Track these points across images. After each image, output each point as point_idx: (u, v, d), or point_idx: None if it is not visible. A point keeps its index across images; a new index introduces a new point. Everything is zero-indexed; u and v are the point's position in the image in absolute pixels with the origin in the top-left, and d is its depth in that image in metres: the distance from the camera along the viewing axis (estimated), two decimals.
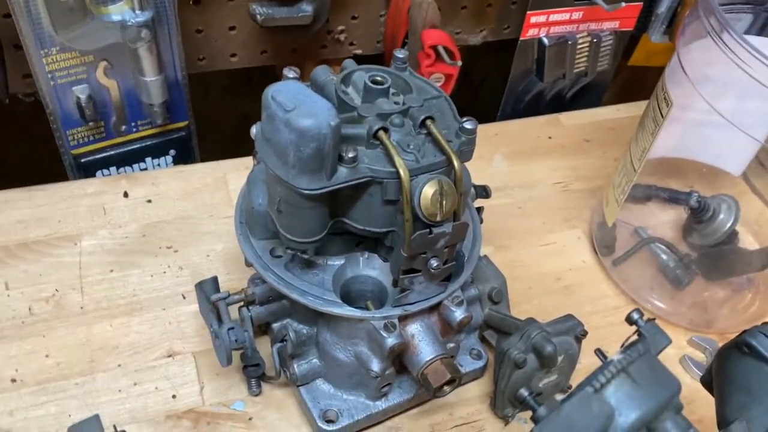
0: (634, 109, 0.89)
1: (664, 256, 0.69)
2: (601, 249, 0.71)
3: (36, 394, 0.55)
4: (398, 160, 0.42)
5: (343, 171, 0.42)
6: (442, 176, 0.44)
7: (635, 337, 0.38)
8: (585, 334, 0.55)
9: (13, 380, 0.55)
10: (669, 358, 0.59)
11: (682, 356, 0.63)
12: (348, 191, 0.44)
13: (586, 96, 0.92)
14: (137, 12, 0.65)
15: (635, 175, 0.63)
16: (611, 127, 0.86)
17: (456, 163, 0.44)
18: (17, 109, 0.93)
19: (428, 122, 0.45)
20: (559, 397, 0.53)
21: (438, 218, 0.43)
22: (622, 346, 0.39)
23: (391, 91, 0.47)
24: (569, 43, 0.85)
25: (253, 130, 0.45)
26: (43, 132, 0.74)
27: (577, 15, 0.83)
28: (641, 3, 0.85)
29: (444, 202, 0.43)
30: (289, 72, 0.47)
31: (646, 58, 0.96)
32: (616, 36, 0.87)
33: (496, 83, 0.97)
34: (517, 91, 0.90)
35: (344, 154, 0.42)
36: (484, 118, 0.99)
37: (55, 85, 0.68)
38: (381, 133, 0.43)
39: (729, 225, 0.66)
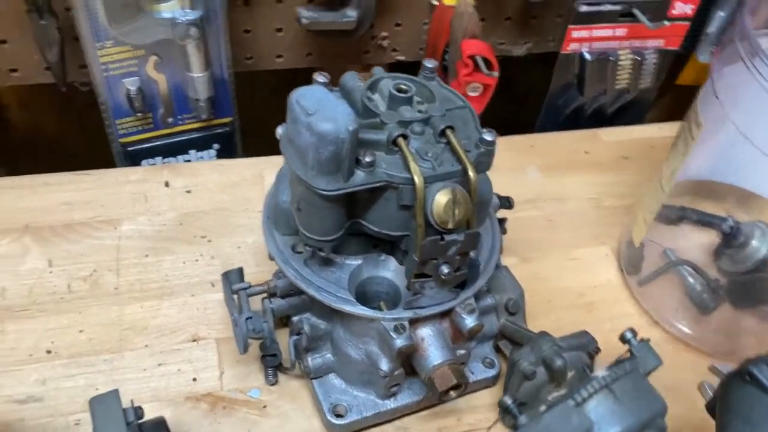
0: (678, 128, 0.87)
1: (691, 280, 0.68)
2: (628, 268, 0.70)
3: (68, 366, 0.58)
4: (414, 167, 0.44)
5: (360, 174, 0.44)
6: (457, 185, 0.45)
7: (627, 354, 0.38)
8: (598, 351, 0.55)
9: (48, 351, 0.59)
10: (687, 383, 0.58)
11: (701, 382, 0.62)
12: (365, 194, 0.46)
13: (628, 113, 0.92)
14: (187, 10, 0.68)
15: (663, 195, 0.62)
16: (652, 145, 0.85)
17: (471, 172, 0.45)
18: (74, 97, 0.99)
19: (448, 131, 0.46)
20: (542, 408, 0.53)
21: (449, 226, 0.45)
22: (613, 362, 0.39)
23: (416, 99, 0.49)
24: (611, 59, 0.84)
25: (279, 130, 0.47)
26: (95, 120, 0.78)
27: (620, 32, 0.83)
28: (688, 22, 0.84)
29: (456, 211, 0.44)
30: (319, 77, 0.49)
31: (695, 78, 0.94)
32: (660, 54, 0.86)
33: (541, 95, 0.97)
34: (557, 105, 0.90)
35: (362, 158, 0.44)
36: (526, 129, 1.00)
37: (107, 77, 0.72)
38: (400, 140, 0.45)
39: (762, 253, 0.65)
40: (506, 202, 0.59)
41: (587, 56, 0.84)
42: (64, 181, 0.72)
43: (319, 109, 0.42)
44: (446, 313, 0.52)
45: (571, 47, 0.84)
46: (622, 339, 0.39)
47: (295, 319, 0.55)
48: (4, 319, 0.60)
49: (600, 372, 0.37)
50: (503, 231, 0.62)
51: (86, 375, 0.57)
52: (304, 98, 0.42)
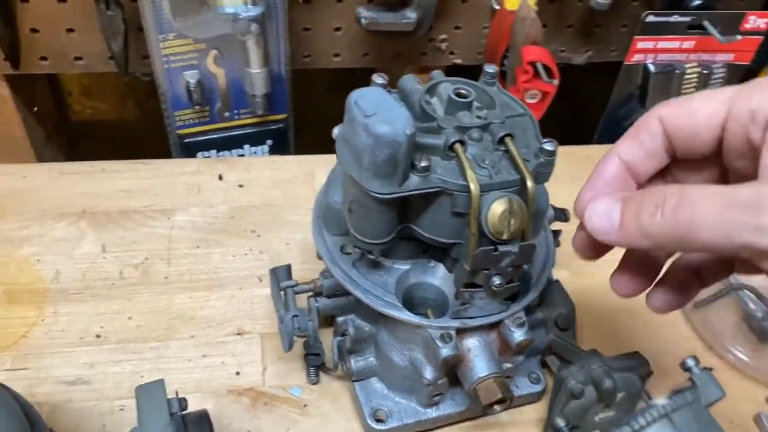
0: None
1: (752, 306, 0.65)
2: None
3: (116, 351, 0.59)
4: (470, 174, 0.43)
5: (414, 179, 0.43)
6: (514, 195, 0.44)
7: (688, 383, 0.37)
8: (650, 374, 0.53)
9: (98, 336, 0.60)
10: (743, 414, 0.56)
11: (757, 413, 0.60)
12: (418, 199, 0.45)
13: None
14: (249, 6, 0.69)
15: None
16: None
17: (530, 183, 0.44)
18: (134, 86, 1.01)
19: (507, 139, 0.45)
20: None
21: (504, 236, 0.43)
22: (672, 390, 0.37)
23: (475, 104, 0.48)
24: (677, 72, 0.81)
25: (335, 131, 0.47)
26: (154, 108, 0.79)
27: (688, 44, 0.80)
28: (761, 37, 0.80)
29: (512, 221, 0.43)
30: (378, 78, 0.48)
31: None
32: (729, 69, 0.83)
33: (602, 104, 0.94)
34: (617, 116, 0.88)
35: (417, 163, 0.43)
36: (585, 139, 0.98)
37: (168, 68, 0.74)
38: (457, 146, 0.44)
39: None
40: (562, 215, 0.58)
41: (651, 68, 0.81)
42: (121, 168, 0.74)
43: (378, 110, 0.41)
44: (494, 325, 0.51)
45: (636, 58, 0.81)
46: (684, 366, 0.37)
47: (339, 319, 0.55)
48: (58, 302, 0.62)
49: (659, 400, 0.35)
50: (557, 244, 0.60)
51: (133, 361, 0.58)
52: (362, 99, 0.42)
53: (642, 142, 0.39)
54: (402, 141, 0.41)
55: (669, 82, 0.83)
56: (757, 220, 0.31)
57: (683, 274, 0.43)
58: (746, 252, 0.32)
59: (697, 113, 0.37)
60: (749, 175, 0.36)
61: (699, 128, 0.37)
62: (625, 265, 0.43)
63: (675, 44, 0.80)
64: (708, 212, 0.32)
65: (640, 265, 0.42)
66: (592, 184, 0.42)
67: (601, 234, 0.38)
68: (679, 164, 0.41)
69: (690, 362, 0.37)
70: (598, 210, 0.38)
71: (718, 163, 0.39)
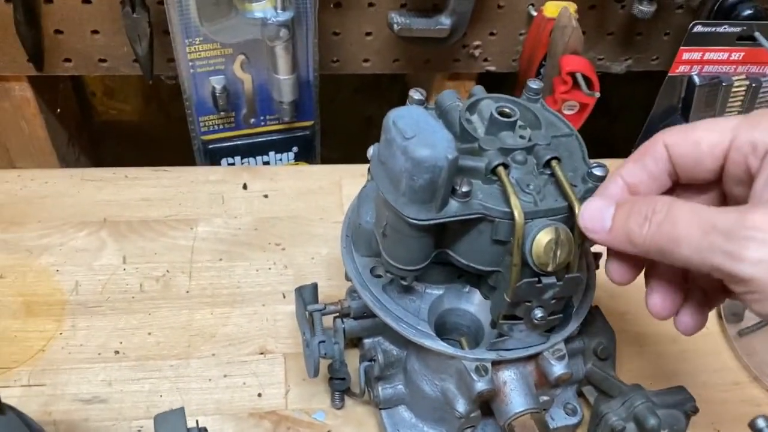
0: None
1: None
2: (728, 316, 0.64)
3: (134, 369, 0.57)
4: (514, 201, 0.40)
5: (454, 205, 0.41)
6: (561, 224, 0.41)
7: None
8: (696, 411, 0.50)
9: (117, 352, 0.58)
10: None
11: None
12: (457, 225, 0.42)
13: None
14: (279, 11, 0.67)
15: None
16: None
17: (578, 210, 0.41)
18: (159, 89, 0.99)
19: (553, 163, 0.42)
20: None
21: (549, 268, 0.41)
22: None
23: (519, 124, 0.45)
24: (723, 84, 0.78)
25: (370, 151, 0.44)
26: (180, 113, 0.77)
27: (736, 56, 0.76)
28: None
29: (558, 252, 0.40)
30: (415, 93, 0.45)
31: None
32: None
33: (636, 114, 0.91)
34: (657, 128, 0.83)
35: (458, 188, 0.40)
36: (617, 148, 0.94)
37: (194, 73, 0.71)
38: (500, 169, 0.41)
39: None
40: None
41: (696, 80, 0.78)
42: (144, 175, 0.72)
43: (418, 132, 0.39)
44: (532, 356, 0.48)
45: (680, 69, 0.78)
46: (753, 427, 0.34)
47: (367, 342, 0.53)
48: (76, 315, 0.60)
49: None
50: (596, 266, 0.57)
51: (152, 380, 0.56)
52: (402, 120, 0.39)
53: (646, 165, 0.41)
54: (443, 166, 0.38)
55: (714, 95, 0.79)
56: (729, 245, 0.33)
57: (698, 291, 0.43)
58: (718, 274, 0.34)
59: (701, 142, 0.39)
60: (744, 202, 0.37)
61: (703, 156, 0.39)
62: (653, 284, 0.43)
63: (723, 56, 0.76)
64: (689, 231, 0.35)
65: (669, 283, 0.43)
66: (596, 205, 0.41)
67: (591, 232, 0.39)
68: (681, 187, 0.42)
69: (761, 423, 0.34)
70: (592, 209, 0.40)
71: (718, 187, 0.41)
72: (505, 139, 0.43)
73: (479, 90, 0.47)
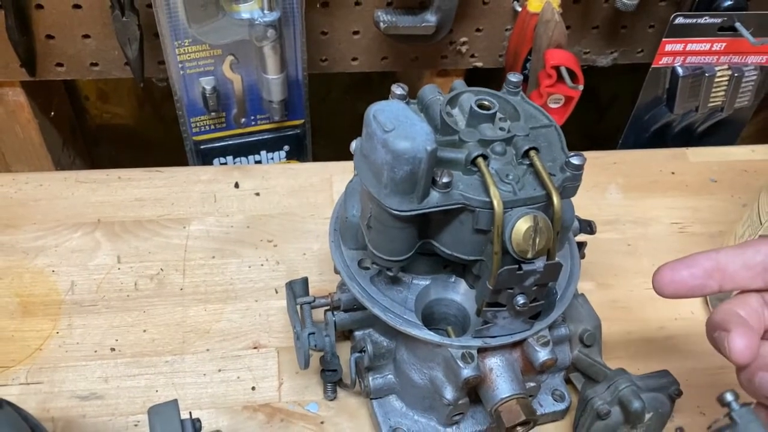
0: None
1: None
2: (714, 302, 0.66)
3: (130, 365, 0.58)
4: (493, 190, 0.41)
5: (435, 195, 0.42)
6: (539, 212, 0.42)
7: (726, 420, 0.35)
8: (679, 394, 0.51)
9: (113, 349, 0.59)
10: None
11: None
12: (439, 215, 0.43)
13: (719, 132, 0.86)
14: (265, 12, 0.68)
15: (761, 229, 0.57)
16: (744, 168, 0.80)
17: (555, 199, 0.42)
18: (152, 91, 1.00)
19: (532, 153, 0.43)
20: None
21: (529, 255, 0.42)
22: (708, 428, 0.35)
23: (498, 116, 0.46)
24: (706, 75, 0.79)
25: (353, 145, 0.45)
26: (173, 115, 0.78)
27: (718, 46, 0.77)
28: None
29: (537, 239, 0.41)
30: (397, 88, 0.47)
31: None
32: (761, 72, 0.80)
33: (625, 106, 0.92)
34: (643, 120, 0.85)
35: (438, 179, 0.41)
36: (606, 141, 0.95)
37: (184, 75, 0.72)
38: (479, 160, 0.42)
39: None
40: (588, 227, 0.56)
41: (680, 71, 0.79)
42: (137, 176, 0.73)
43: (397, 126, 0.40)
44: (518, 344, 0.49)
45: (663, 61, 0.79)
46: (722, 402, 0.35)
47: (357, 334, 0.54)
48: (72, 314, 0.61)
49: None
50: (582, 256, 0.58)
51: (147, 376, 0.57)
52: (381, 114, 0.40)
53: (745, 252, 0.42)
54: (422, 157, 0.39)
55: (698, 86, 0.80)
56: None
57: None
58: None
59: None
60: None
61: None
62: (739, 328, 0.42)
63: (705, 46, 0.77)
64: None
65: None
66: (684, 263, 0.45)
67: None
68: None
69: (729, 397, 0.35)
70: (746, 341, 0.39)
71: None
72: (485, 131, 0.44)
73: (460, 84, 0.48)
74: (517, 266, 0.42)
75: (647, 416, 0.50)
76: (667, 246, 0.71)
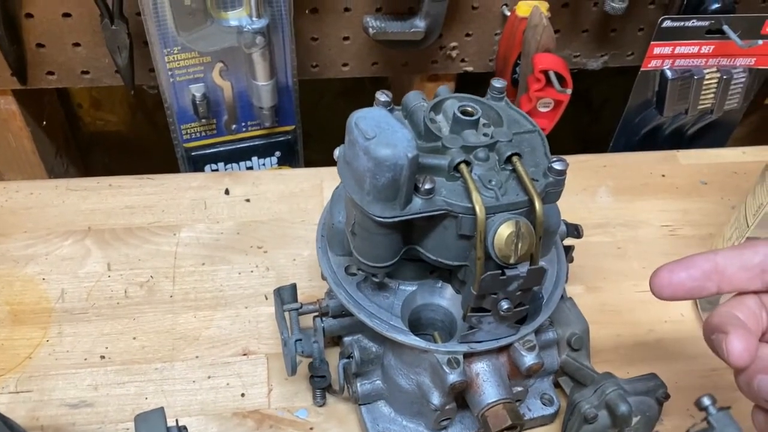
0: (764, 153, 0.82)
1: None
2: (704, 304, 0.66)
3: (120, 373, 0.58)
4: (476, 196, 0.41)
5: (418, 202, 0.42)
6: (521, 217, 0.42)
7: (704, 425, 0.35)
8: (667, 397, 0.51)
9: (102, 357, 0.59)
10: None
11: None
12: (423, 221, 0.43)
13: (710, 135, 0.86)
14: (254, 19, 0.68)
15: (748, 231, 0.58)
16: (734, 170, 0.80)
17: (537, 204, 0.42)
18: (144, 98, 1.00)
19: (514, 159, 0.44)
20: None
21: (511, 260, 0.42)
22: None
23: (482, 122, 0.46)
24: (695, 77, 0.79)
25: (336, 152, 0.45)
26: (164, 121, 0.79)
27: (706, 49, 0.77)
28: None
29: (520, 245, 0.42)
30: (381, 96, 0.47)
31: None
32: (750, 74, 0.80)
33: (617, 109, 0.92)
34: (633, 123, 0.85)
35: (421, 185, 0.41)
36: (599, 144, 0.95)
37: (173, 82, 0.73)
38: (462, 167, 0.42)
39: None
40: (575, 231, 0.56)
41: (669, 74, 0.79)
42: (127, 184, 0.73)
43: (379, 133, 0.40)
44: (504, 348, 0.49)
45: (652, 64, 0.79)
46: (699, 406, 0.35)
47: (346, 340, 0.54)
48: (63, 322, 0.61)
49: None
50: (570, 260, 0.58)
51: (137, 383, 0.57)
52: (363, 121, 0.41)
53: (743, 254, 0.42)
54: (403, 164, 0.39)
55: (687, 88, 0.80)
56: None
57: None
58: None
59: None
60: None
61: None
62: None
63: (693, 49, 0.77)
64: None
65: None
66: (682, 265, 0.44)
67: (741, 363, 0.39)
68: None
69: (706, 401, 0.35)
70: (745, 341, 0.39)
71: None
72: (468, 137, 0.45)
73: (444, 90, 0.48)
74: (500, 271, 0.43)
75: (634, 420, 0.50)
76: (657, 249, 0.71)
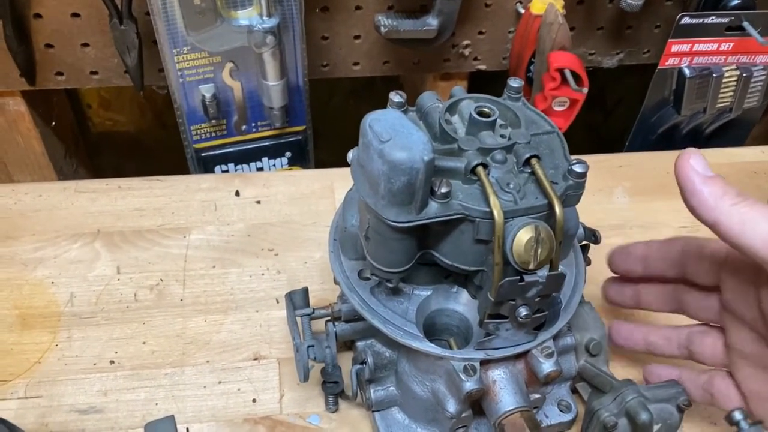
0: None
1: None
2: None
3: (129, 378, 0.57)
4: (494, 200, 0.40)
5: (433, 206, 0.41)
6: (541, 222, 0.41)
7: None
8: (688, 404, 0.50)
9: (112, 362, 0.58)
10: None
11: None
12: (439, 225, 0.42)
13: (728, 134, 0.84)
14: (264, 18, 0.67)
15: None
16: (753, 170, 0.78)
17: (558, 208, 0.41)
18: (153, 98, 1.00)
19: (533, 161, 0.42)
20: None
21: (531, 266, 0.41)
22: None
23: (499, 122, 0.45)
24: (714, 75, 0.77)
25: (350, 155, 0.44)
26: (174, 121, 0.78)
27: (726, 46, 0.76)
28: None
29: (539, 250, 0.40)
30: (395, 96, 0.46)
31: None
32: None
33: (632, 107, 0.91)
34: (650, 122, 0.84)
35: (436, 189, 0.40)
36: (613, 143, 0.94)
37: (183, 83, 0.72)
38: (479, 169, 0.41)
39: None
40: (592, 236, 0.54)
41: (687, 72, 0.77)
42: (136, 186, 0.72)
43: (394, 135, 0.39)
44: (521, 354, 0.48)
45: (670, 62, 0.77)
46: (731, 421, 0.34)
47: (360, 344, 0.53)
48: (72, 326, 0.60)
49: None
50: (587, 262, 0.57)
51: (147, 389, 0.57)
52: (378, 123, 0.39)
53: (661, 246, 0.53)
54: (419, 168, 0.38)
55: (705, 86, 0.79)
56: None
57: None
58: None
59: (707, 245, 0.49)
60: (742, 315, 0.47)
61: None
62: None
63: (712, 46, 0.76)
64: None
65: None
66: (622, 249, 0.55)
67: (694, 168, 0.44)
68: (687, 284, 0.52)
69: (738, 416, 0.34)
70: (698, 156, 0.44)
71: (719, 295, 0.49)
72: (485, 138, 0.43)
73: (459, 90, 0.47)
74: (518, 277, 0.41)
75: (655, 428, 0.49)
76: None
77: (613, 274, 0.57)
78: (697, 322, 0.52)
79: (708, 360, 0.51)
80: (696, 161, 0.44)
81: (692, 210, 0.44)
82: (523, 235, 0.40)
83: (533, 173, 0.42)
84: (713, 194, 0.43)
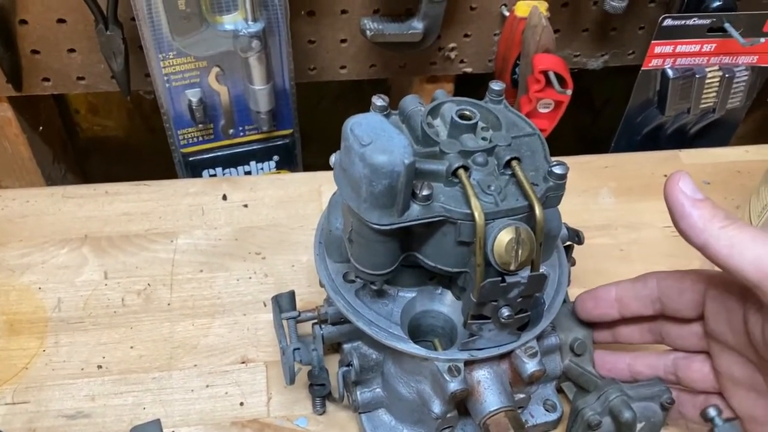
0: None
1: None
2: None
3: (117, 383, 0.57)
4: (474, 202, 0.40)
5: (415, 208, 0.41)
6: (521, 223, 0.41)
7: None
8: (672, 402, 0.50)
9: (99, 366, 0.58)
10: None
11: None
12: (421, 227, 0.43)
13: (712, 134, 0.85)
14: (249, 23, 0.67)
15: None
16: (737, 170, 0.79)
17: (538, 210, 0.41)
18: (141, 103, 1.00)
19: (513, 163, 0.43)
20: None
21: (512, 267, 0.41)
22: None
23: (480, 125, 0.45)
24: (697, 76, 0.78)
25: (332, 158, 0.45)
26: (162, 126, 0.78)
27: (708, 47, 0.77)
28: None
29: (520, 251, 0.41)
30: (378, 100, 0.46)
31: None
32: (753, 72, 0.79)
33: (619, 109, 0.92)
34: (635, 123, 0.84)
35: (418, 192, 0.41)
36: (600, 144, 0.95)
37: (169, 87, 0.72)
38: (460, 172, 0.42)
39: None
40: (575, 237, 0.55)
41: (670, 73, 0.78)
42: (124, 191, 0.72)
43: (375, 139, 0.39)
44: (505, 354, 0.48)
45: (653, 63, 0.78)
46: (705, 417, 0.35)
47: (346, 347, 0.53)
48: (59, 331, 0.60)
49: None
50: (571, 263, 0.58)
51: (135, 393, 0.57)
52: (359, 127, 0.40)
53: (635, 286, 0.52)
54: (400, 171, 0.39)
55: (689, 88, 0.79)
56: None
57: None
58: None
59: (686, 277, 0.48)
60: (724, 341, 0.47)
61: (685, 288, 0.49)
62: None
63: (695, 48, 0.76)
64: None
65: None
66: (590, 295, 0.54)
67: (683, 191, 0.44)
68: (665, 318, 0.51)
69: (712, 412, 0.34)
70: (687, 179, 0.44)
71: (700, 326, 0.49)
72: (466, 141, 0.44)
73: (441, 94, 0.47)
74: (500, 278, 0.42)
75: (639, 426, 0.49)
76: (661, 250, 0.70)
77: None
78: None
79: (698, 385, 0.50)
80: (684, 184, 0.44)
81: (681, 233, 0.44)
82: (504, 237, 0.40)
83: (514, 175, 0.43)
84: (702, 217, 0.43)
